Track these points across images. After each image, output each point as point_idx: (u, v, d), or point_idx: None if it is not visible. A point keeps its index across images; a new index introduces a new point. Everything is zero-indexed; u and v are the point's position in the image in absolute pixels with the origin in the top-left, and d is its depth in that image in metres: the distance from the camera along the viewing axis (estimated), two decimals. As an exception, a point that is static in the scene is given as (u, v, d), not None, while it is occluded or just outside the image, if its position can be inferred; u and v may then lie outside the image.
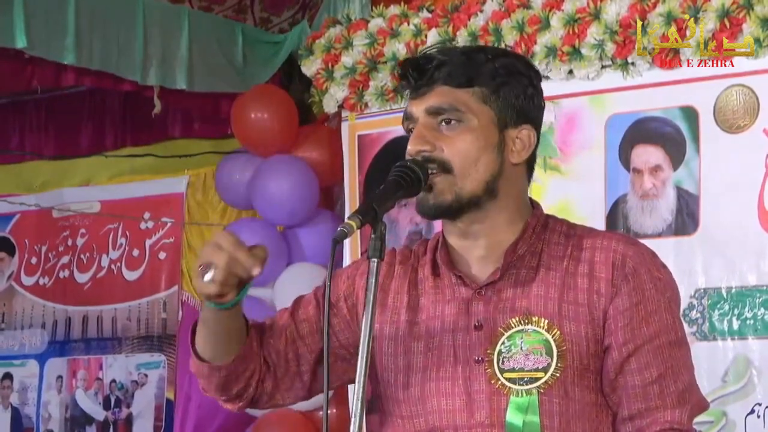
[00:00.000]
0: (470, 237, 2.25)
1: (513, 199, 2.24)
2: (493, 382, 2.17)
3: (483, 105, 2.20)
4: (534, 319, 2.17)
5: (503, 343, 2.18)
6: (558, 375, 2.14)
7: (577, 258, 2.21)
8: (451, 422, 2.19)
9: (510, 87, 2.21)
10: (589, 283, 2.18)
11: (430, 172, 2.17)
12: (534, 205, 2.29)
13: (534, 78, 2.26)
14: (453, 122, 2.19)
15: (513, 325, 2.18)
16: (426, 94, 2.21)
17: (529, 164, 2.27)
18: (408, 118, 2.25)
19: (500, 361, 2.17)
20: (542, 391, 2.14)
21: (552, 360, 2.15)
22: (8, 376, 6.28)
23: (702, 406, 2.22)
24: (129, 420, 5.90)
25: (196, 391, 5.61)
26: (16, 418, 6.22)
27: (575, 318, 2.17)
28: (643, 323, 2.16)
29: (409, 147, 2.21)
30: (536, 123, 2.26)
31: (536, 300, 2.19)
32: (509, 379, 2.16)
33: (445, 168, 2.18)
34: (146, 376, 5.88)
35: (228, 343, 2.31)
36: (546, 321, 2.16)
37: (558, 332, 2.15)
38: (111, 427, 5.94)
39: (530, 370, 2.16)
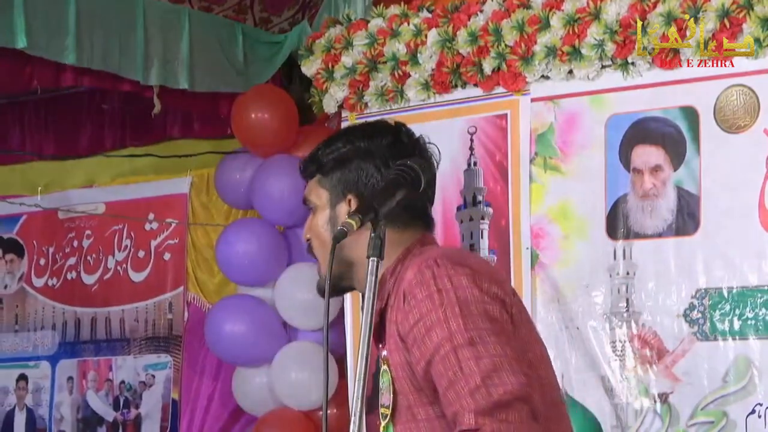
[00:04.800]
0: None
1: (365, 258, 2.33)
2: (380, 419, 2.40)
3: (320, 189, 2.54)
4: (386, 359, 2.39)
5: (380, 381, 2.40)
6: (397, 407, 2.35)
7: (397, 291, 2.39)
8: None
9: (335, 168, 2.52)
10: (395, 315, 2.37)
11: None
12: (409, 245, 2.47)
13: (368, 147, 2.50)
14: (312, 210, 2.55)
15: (380, 365, 2.41)
16: None
17: (392, 220, 2.38)
18: None
19: (380, 398, 2.40)
20: (393, 422, 2.37)
21: (391, 396, 2.37)
22: (23, 377, 6.30)
23: (502, 394, 2.22)
24: (137, 421, 5.91)
25: (204, 391, 5.62)
26: (31, 419, 6.25)
27: (394, 348, 2.36)
28: (426, 338, 2.29)
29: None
30: (363, 188, 2.48)
31: (387, 339, 2.40)
32: (381, 414, 2.39)
33: (312, 254, 2.54)
34: (153, 377, 5.89)
35: None
36: (388, 359, 2.38)
37: (392, 368, 2.36)
38: (120, 427, 5.96)
39: (385, 407, 2.38)
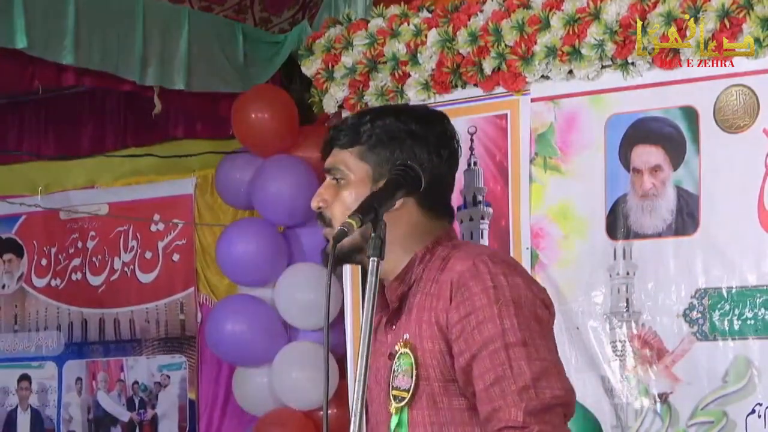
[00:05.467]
0: (384, 276, 2.43)
1: (397, 239, 2.40)
2: (388, 401, 2.40)
3: (361, 162, 2.45)
4: (409, 343, 2.39)
5: (395, 363, 2.41)
6: (417, 392, 2.35)
7: (437, 280, 2.40)
8: None
9: (385, 145, 2.45)
10: (436, 303, 2.37)
11: (322, 226, 2.47)
12: (436, 236, 2.47)
13: (422, 133, 2.46)
14: (339, 180, 2.47)
15: (399, 348, 2.40)
16: (327, 157, 2.51)
17: (429, 207, 2.46)
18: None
19: (393, 380, 2.40)
20: (410, 406, 2.36)
21: (412, 380, 2.36)
22: (26, 377, 6.30)
23: (553, 396, 2.28)
24: (154, 421, 5.92)
25: (221, 392, 5.62)
26: (37, 419, 6.25)
27: (430, 336, 2.36)
28: (476, 332, 2.31)
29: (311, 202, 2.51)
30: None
31: (411, 324, 2.40)
32: (394, 396, 2.40)
33: (327, 223, 2.46)
34: (168, 377, 5.89)
35: None
36: (412, 344, 2.38)
37: (419, 353, 2.36)
38: (137, 428, 5.96)
39: (402, 390, 2.38)
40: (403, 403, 2.36)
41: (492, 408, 2.28)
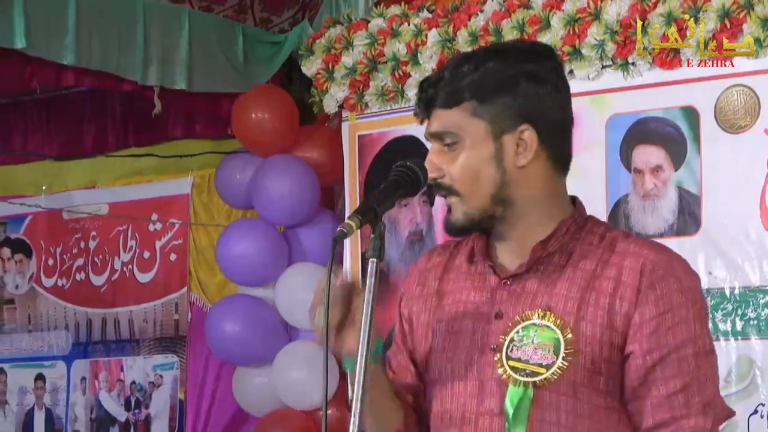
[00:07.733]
0: (501, 239, 2.29)
1: (535, 201, 2.25)
2: (500, 370, 2.20)
3: (473, 118, 2.21)
4: (552, 316, 2.20)
5: (517, 332, 2.21)
6: (559, 374, 2.17)
7: (606, 261, 2.23)
8: (461, 407, 2.24)
9: (496, 93, 2.21)
10: (614, 288, 2.20)
11: (443, 195, 2.25)
12: (576, 204, 2.33)
13: (537, 70, 2.23)
14: (452, 144, 2.23)
15: (531, 317, 2.21)
16: (429, 120, 2.26)
17: (557, 159, 2.26)
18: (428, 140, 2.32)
19: (510, 349, 2.21)
20: (541, 386, 2.17)
21: (557, 359, 2.17)
22: (41, 377, 6.31)
23: (726, 413, 2.22)
24: (147, 421, 5.92)
25: (208, 391, 5.62)
26: (49, 418, 6.27)
27: (592, 320, 2.19)
28: (670, 332, 2.18)
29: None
30: (538, 118, 2.23)
31: (558, 298, 2.21)
32: (512, 368, 2.19)
33: (452, 192, 2.24)
34: (162, 377, 5.89)
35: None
36: (561, 320, 2.19)
37: (570, 333, 2.18)
38: (132, 428, 5.96)
39: (534, 364, 2.19)
40: (535, 379, 2.18)
41: (671, 416, 2.15)
